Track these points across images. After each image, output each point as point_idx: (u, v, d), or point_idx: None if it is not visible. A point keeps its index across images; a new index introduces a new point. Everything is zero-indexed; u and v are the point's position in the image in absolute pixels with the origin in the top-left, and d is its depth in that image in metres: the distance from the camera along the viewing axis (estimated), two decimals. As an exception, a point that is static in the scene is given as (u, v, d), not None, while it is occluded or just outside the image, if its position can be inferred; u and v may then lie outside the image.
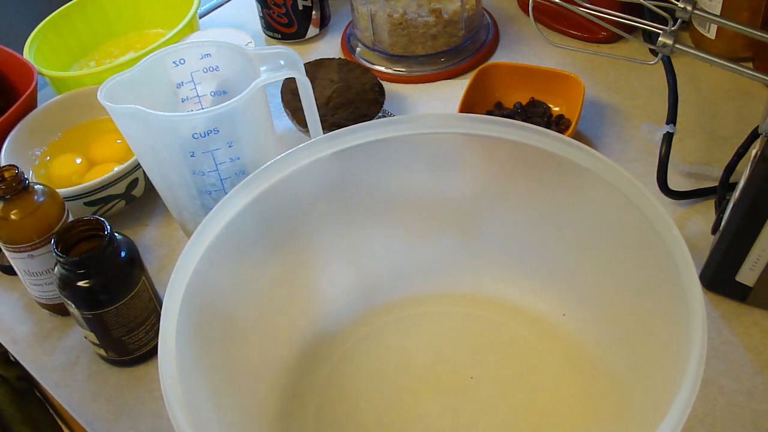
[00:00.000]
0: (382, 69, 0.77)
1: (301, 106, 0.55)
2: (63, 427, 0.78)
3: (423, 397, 0.50)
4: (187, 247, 0.43)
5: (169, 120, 0.49)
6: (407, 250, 0.55)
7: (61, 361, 0.56)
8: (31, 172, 0.65)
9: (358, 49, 0.80)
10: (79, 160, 0.66)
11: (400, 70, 0.77)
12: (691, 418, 0.47)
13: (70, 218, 0.54)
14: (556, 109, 0.68)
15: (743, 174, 0.49)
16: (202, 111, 0.49)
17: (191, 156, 0.51)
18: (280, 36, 0.83)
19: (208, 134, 0.49)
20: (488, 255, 0.54)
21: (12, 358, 0.66)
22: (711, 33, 0.71)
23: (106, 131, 0.68)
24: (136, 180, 0.62)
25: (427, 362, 0.52)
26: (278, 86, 0.71)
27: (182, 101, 0.56)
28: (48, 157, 0.67)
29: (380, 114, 0.69)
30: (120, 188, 0.61)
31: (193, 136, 0.49)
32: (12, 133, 0.65)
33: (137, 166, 0.62)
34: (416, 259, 0.55)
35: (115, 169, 0.61)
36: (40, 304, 0.59)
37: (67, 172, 0.65)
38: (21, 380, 0.73)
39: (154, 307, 0.53)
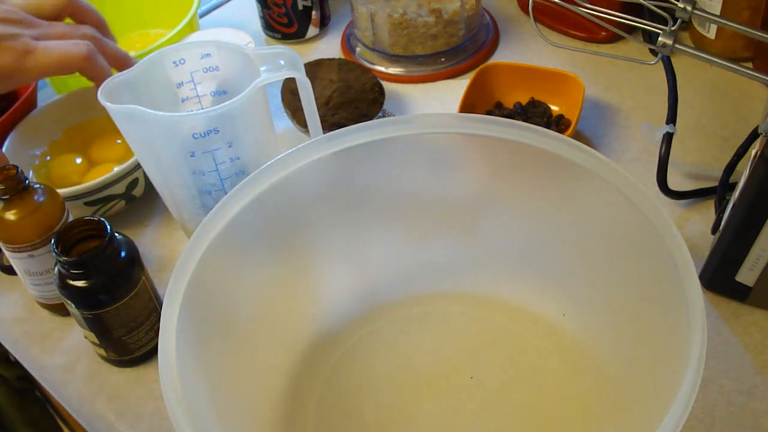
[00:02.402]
0: (382, 69, 0.77)
1: (301, 106, 0.55)
2: (63, 427, 0.78)
3: (423, 397, 0.50)
4: (187, 247, 0.43)
5: (169, 120, 0.49)
6: (407, 250, 0.55)
7: (61, 361, 0.56)
8: (31, 172, 0.65)
9: (358, 49, 0.80)
10: (79, 160, 0.66)
11: (399, 70, 0.77)
12: (691, 418, 0.47)
13: (70, 218, 0.54)
14: (556, 109, 0.68)
15: (743, 174, 0.49)
16: (202, 111, 0.49)
17: (191, 156, 0.51)
18: (280, 36, 0.83)
19: (208, 134, 0.49)
20: (488, 255, 0.54)
21: (12, 358, 0.67)
22: (711, 33, 0.71)
23: (106, 131, 0.68)
24: (136, 180, 0.62)
25: (427, 362, 0.52)
26: (278, 86, 0.71)
27: (182, 101, 0.56)
28: (48, 157, 0.67)
29: (380, 114, 0.69)
30: (120, 188, 0.61)
31: (193, 136, 0.49)
32: (12, 133, 0.65)
33: (137, 166, 0.62)
34: (416, 259, 0.55)
35: (115, 169, 0.61)
36: (40, 304, 0.59)
37: (67, 171, 0.65)
38: (21, 380, 0.73)
39: (154, 307, 0.53)
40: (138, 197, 0.64)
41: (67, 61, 0.53)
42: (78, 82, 0.71)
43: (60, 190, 0.57)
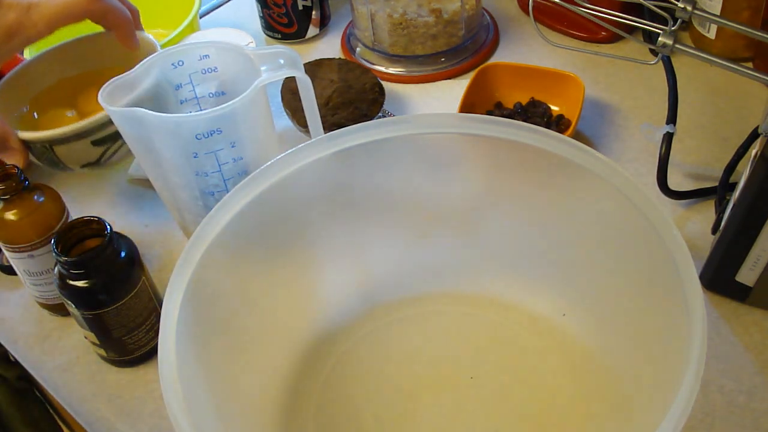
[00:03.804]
0: (382, 69, 0.77)
1: (301, 106, 0.55)
2: (63, 427, 0.78)
3: (423, 397, 0.50)
4: (187, 247, 0.43)
5: (171, 121, 0.49)
6: (407, 250, 0.55)
7: (61, 361, 0.56)
8: (18, 132, 0.59)
9: (358, 49, 0.80)
10: (70, 114, 0.63)
11: (399, 70, 0.77)
12: (691, 418, 0.47)
13: (70, 218, 0.54)
14: (556, 109, 0.68)
15: (743, 174, 0.49)
16: (205, 111, 0.49)
17: (194, 157, 0.51)
18: (280, 36, 0.83)
19: (210, 135, 0.49)
20: (488, 255, 0.54)
21: (12, 358, 0.66)
22: (711, 33, 0.71)
23: (95, 83, 0.62)
24: None
25: (427, 362, 0.52)
26: (278, 86, 0.71)
27: (181, 103, 0.56)
28: (35, 114, 0.64)
29: (380, 114, 0.69)
30: None
31: (196, 137, 0.49)
32: None
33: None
34: (416, 259, 0.55)
35: None
36: (40, 304, 0.59)
37: (59, 125, 0.61)
38: (21, 380, 0.73)
39: (154, 307, 0.53)
40: None
41: (73, 6, 0.52)
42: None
43: (66, 128, 0.55)
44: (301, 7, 0.80)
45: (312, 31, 0.83)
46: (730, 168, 0.58)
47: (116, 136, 0.58)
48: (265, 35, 0.85)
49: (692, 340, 0.36)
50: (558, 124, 0.66)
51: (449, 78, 0.76)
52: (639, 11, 0.64)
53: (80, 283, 0.49)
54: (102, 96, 0.49)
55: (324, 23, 0.84)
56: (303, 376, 0.51)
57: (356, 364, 0.52)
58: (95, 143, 0.58)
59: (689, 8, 0.52)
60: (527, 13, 0.80)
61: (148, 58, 0.53)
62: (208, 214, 0.44)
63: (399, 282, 0.55)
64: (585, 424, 0.47)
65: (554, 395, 0.49)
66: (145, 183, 0.68)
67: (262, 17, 0.83)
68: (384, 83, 0.72)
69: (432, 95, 0.74)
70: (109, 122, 0.57)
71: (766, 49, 0.69)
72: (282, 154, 0.47)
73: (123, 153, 0.62)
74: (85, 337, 0.53)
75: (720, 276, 0.52)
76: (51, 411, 0.77)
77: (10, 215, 0.52)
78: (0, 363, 0.71)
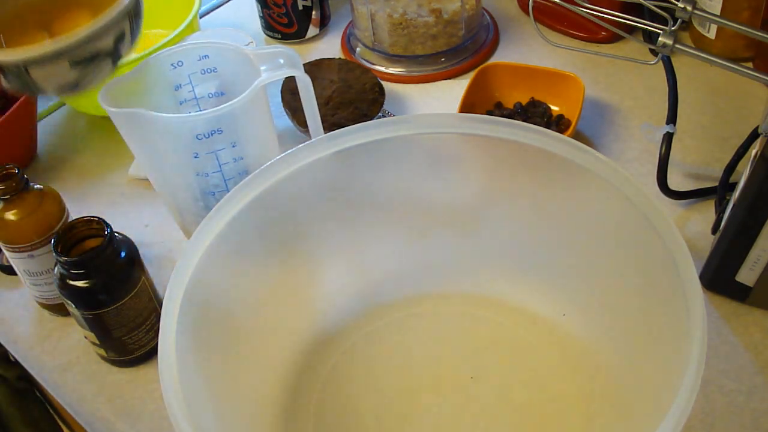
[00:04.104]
0: (382, 69, 0.77)
1: (301, 106, 0.55)
2: (63, 427, 0.78)
3: (423, 396, 0.50)
4: (187, 247, 0.43)
5: (172, 121, 0.49)
6: (407, 250, 0.55)
7: (61, 361, 0.56)
8: None
9: (358, 49, 0.80)
10: (43, 35, 0.56)
11: (400, 70, 0.77)
12: (691, 418, 0.47)
13: (70, 218, 0.54)
14: (556, 109, 0.68)
15: (743, 174, 0.49)
16: (206, 111, 0.49)
17: (195, 157, 0.51)
18: (280, 36, 0.83)
19: (211, 134, 0.49)
20: (488, 255, 0.54)
21: (12, 358, 0.67)
22: (711, 33, 0.71)
23: (67, 5, 0.58)
24: (122, 34, 0.53)
25: (427, 362, 0.52)
26: (278, 86, 0.71)
27: (180, 104, 0.56)
28: (2, 41, 0.57)
29: (380, 114, 0.69)
30: (108, 42, 0.52)
31: (197, 137, 0.49)
32: None
33: (125, 15, 0.52)
34: (416, 259, 0.55)
35: (104, 17, 0.51)
36: (40, 304, 0.59)
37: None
38: (21, 380, 0.73)
39: (154, 307, 0.53)
40: (122, 56, 0.54)
41: None
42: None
43: (44, 46, 0.50)
44: (301, 7, 0.80)
45: (312, 31, 0.83)
46: (730, 168, 0.58)
47: (96, 57, 0.52)
48: (265, 35, 0.85)
49: (692, 340, 0.36)
50: (558, 124, 0.66)
51: (449, 78, 0.76)
52: (639, 11, 0.64)
53: (80, 283, 0.49)
54: (102, 97, 0.49)
55: (324, 23, 0.84)
56: (303, 376, 0.51)
57: (356, 364, 0.52)
58: (74, 64, 0.53)
59: (689, 8, 0.52)
60: (527, 13, 0.80)
61: (146, 59, 0.52)
62: (208, 214, 0.44)
63: (399, 282, 0.55)
64: (585, 424, 0.47)
65: (554, 395, 0.49)
66: (145, 183, 0.68)
67: (262, 17, 0.83)
68: (384, 83, 0.72)
69: (432, 95, 0.74)
70: (93, 39, 0.52)
71: (766, 49, 0.69)
72: (282, 154, 0.47)
73: (102, 76, 0.54)
74: (85, 337, 0.53)
75: (720, 276, 0.52)
76: (51, 411, 0.77)
77: (10, 215, 0.52)
78: (0, 363, 0.71)
